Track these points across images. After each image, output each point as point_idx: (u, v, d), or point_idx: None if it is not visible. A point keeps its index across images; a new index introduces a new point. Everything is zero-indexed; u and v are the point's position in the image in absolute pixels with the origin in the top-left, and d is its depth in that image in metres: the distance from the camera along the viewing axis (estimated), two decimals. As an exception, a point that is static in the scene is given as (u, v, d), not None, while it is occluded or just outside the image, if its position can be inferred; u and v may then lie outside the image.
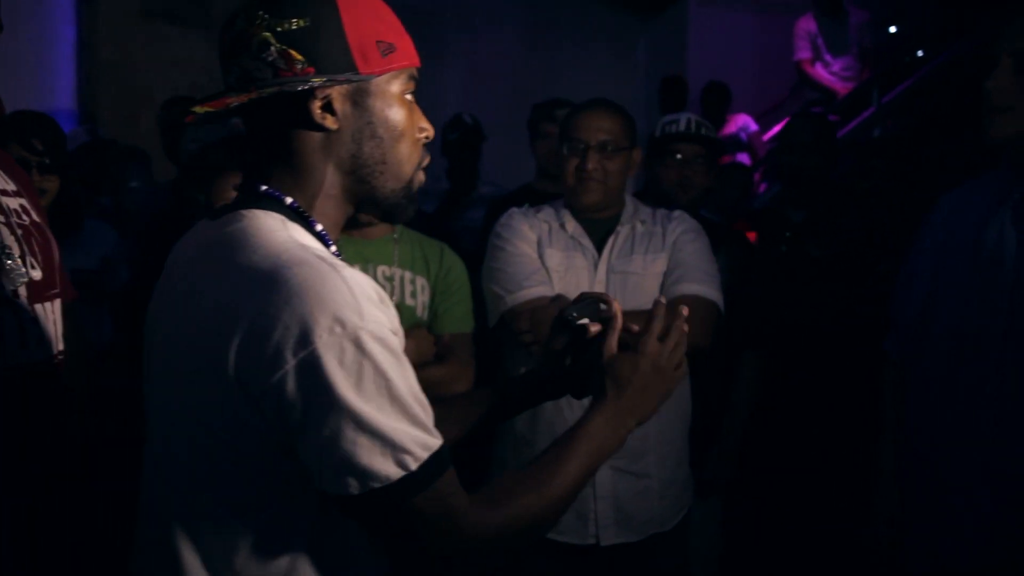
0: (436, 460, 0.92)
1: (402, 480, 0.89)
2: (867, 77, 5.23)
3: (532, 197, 2.67)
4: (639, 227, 2.10)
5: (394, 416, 0.89)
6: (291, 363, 0.87)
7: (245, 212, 0.99)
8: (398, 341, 0.94)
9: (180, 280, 1.01)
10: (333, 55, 0.98)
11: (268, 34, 0.96)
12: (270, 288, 0.89)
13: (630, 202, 2.14)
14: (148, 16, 4.27)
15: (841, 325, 2.58)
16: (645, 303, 2.00)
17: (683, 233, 2.08)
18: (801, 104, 5.52)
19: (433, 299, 2.08)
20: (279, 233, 0.96)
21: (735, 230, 2.83)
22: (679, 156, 2.53)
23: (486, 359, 2.18)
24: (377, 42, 1.00)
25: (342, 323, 0.87)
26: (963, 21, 5.17)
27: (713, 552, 2.53)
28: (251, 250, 0.93)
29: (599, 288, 2.03)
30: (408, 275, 2.07)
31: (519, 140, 3.58)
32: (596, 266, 2.05)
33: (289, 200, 1.00)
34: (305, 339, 0.86)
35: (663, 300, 1.19)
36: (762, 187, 5.25)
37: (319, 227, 1.01)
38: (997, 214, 1.67)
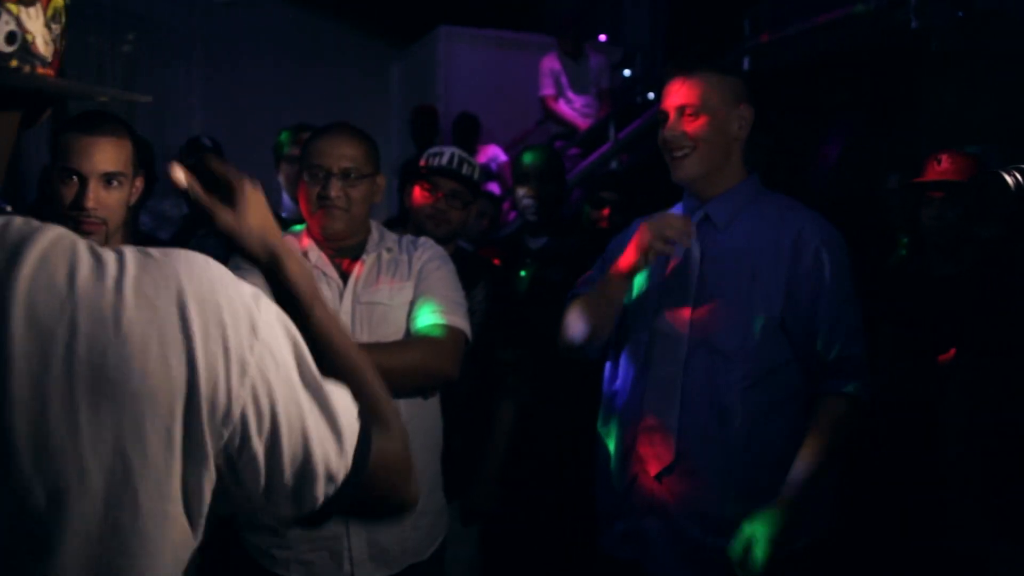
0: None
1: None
2: (604, 115, 5.63)
3: (279, 223, 2.57)
4: (385, 255, 2.06)
5: None
6: None
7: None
8: None
9: None
10: None
11: None
12: None
13: (376, 229, 2.09)
14: None
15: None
16: (392, 334, 1.98)
17: (429, 260, 2.06)
18: (547, 137, 5.83)
19: None
20: None
21: (487, 259, 2.89)
22: (436, 190, 2.54)
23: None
24: None
25: None
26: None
27: (471, 577, 2.56)
28: None
29: (344, 319, 1.97)
30: None
31: (271, 166, 3.46)
32: (341, 297, 1.99)
33: None
34: None
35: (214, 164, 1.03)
36: (511, 215, 5.47)
37: None
38: None
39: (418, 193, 2.58)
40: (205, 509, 0.79)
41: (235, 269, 1.96)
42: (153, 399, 0.72)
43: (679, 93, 1.95)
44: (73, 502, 0.72)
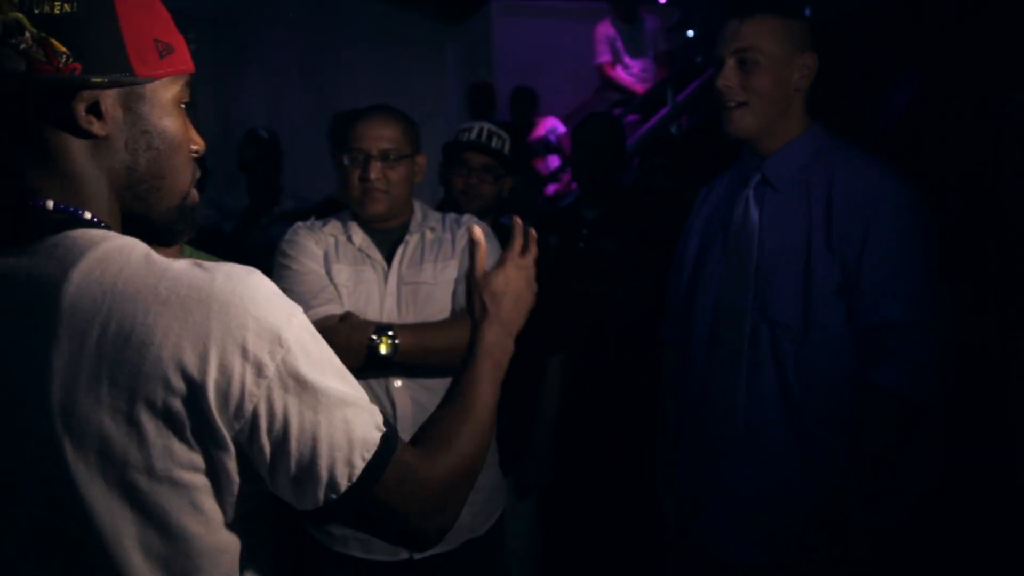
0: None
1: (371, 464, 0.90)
2: (662, 78, 5.51)
3: (336, 209, 2.60)
4: (428, 234, 2.07)
5: None
6: None
7: (58, 237, 0.85)
8: None
9: None
10: (105, 50, 0.85)
11: (22, 15, 0.82)
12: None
13: (419, 209, 2.11)
14: None
15: (632, 316, 2.68)
16: (438, 312, 1.99)
17: None
18: (605, 105, 5.74)
19: None
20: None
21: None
22: (467, 165, 2.54)
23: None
24: (155, 41, 0.89)
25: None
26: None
27: (531, 552, 2.56)
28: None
29: (390, 301, 1.99)
30: None
31: (326, 151, 3.50)
32: (386, 278, 2.01)
33: (88, 215, 0.88)
34: None
35: (519, 220, 1.26)
36: (574, 187, 5.41)
37: None
38: (741, 197, 1.86)
39: (449, 170, 2.59)
40: (235, 483, 0.87)
41: (296, 230, 1.96)
42: (164, 380, 0.81)
43: (735, 37, 1.76)
44: (96, 463, 0.82)
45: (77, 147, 0.88)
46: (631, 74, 5.74)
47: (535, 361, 2.52)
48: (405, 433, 2.07)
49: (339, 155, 3.08)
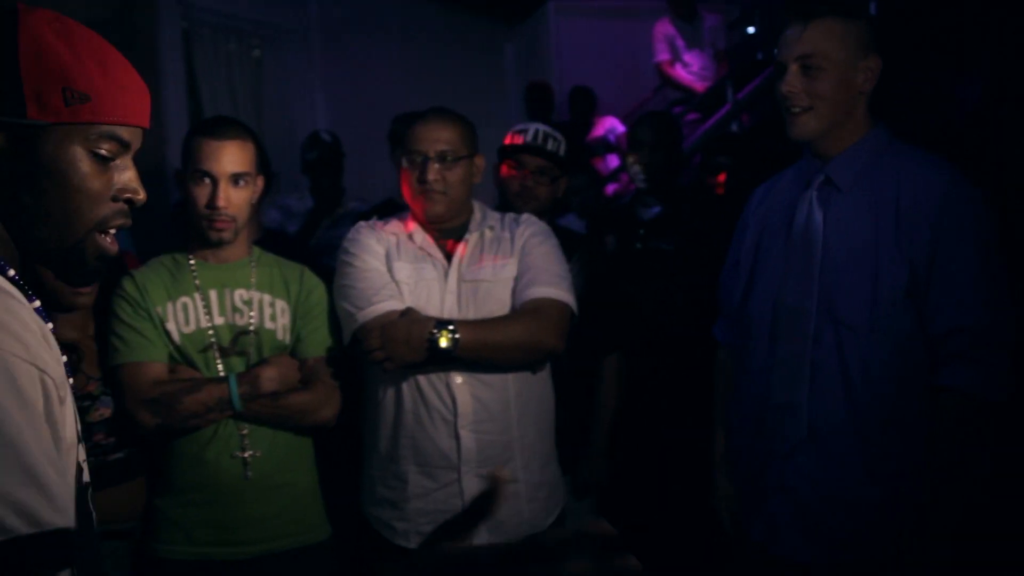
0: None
1: None
2: (722, 75, 5.45)
3: (397, 210, 2.66)
4: (487, 233, 2.10)
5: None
6: None
7: None
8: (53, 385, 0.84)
9: None
10: (1, 90, 0.89)
11: None
12: None
13: (478, 209, 2.14)
14: None
15: (690, 316, 2.67)
16: (497, 311, 2.02)
17: (531, 236, 2.09)
18: (665, 103, 5.71)
19: (295, 322, 2.03)
20: None
21: (588, 234, 2.88)
22: (522, 167, 2.56)
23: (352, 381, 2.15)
24: (64, 88, 0.90)
25: None
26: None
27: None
28: None
29: (450, 298, 2.03)
30: (267, 298, 2.01)
31: (387, 153, 3.56)
32: (447, 276, 2.04)
33: None
34: None
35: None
36: (632, 187, 5.40)
37: None
38: (804, 198, 1.85)
39: (505, 171, 2.60)
40: None
41: (359, 228, 1.97)
42: None
43: (798, 42, 1.75)
44: None
45: None
46: (691, 72, 5.69)
47: (592, 360, 2.53)
48: (466, 428, 2.09)
49: (398, 157, 3.17)
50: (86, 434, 1.81)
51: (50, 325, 0.91)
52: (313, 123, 4.85)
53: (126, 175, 0.98)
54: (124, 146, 0.97)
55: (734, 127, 5.08)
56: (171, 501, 1.95)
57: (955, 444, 1.68)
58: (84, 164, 0.94)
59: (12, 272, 0.92)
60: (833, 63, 1.74)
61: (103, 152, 0.95)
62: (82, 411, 1.82)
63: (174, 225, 3.42)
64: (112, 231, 0.99)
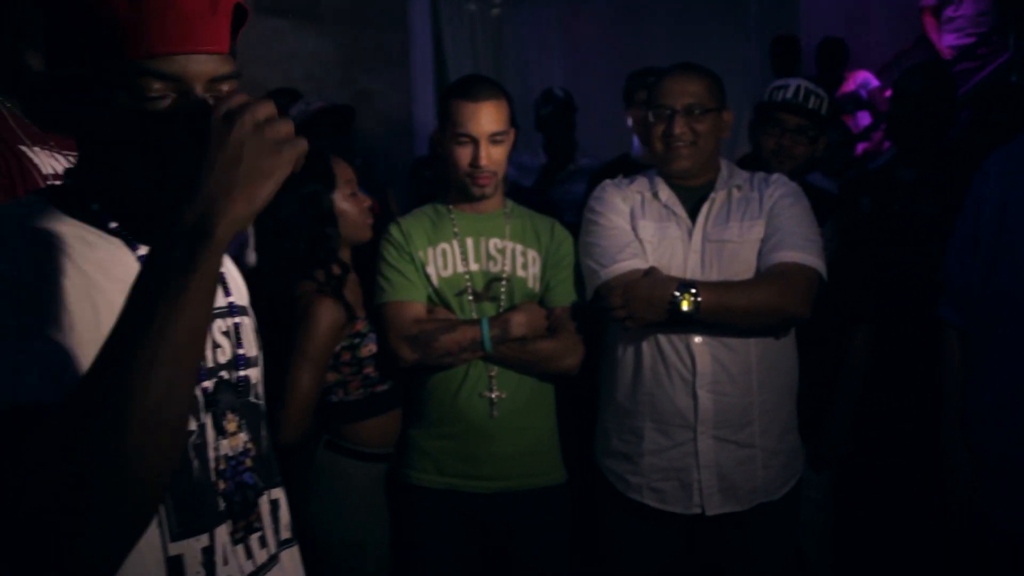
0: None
1: None
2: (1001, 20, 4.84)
3: (629, 167, 2.63)
4: (735, 193, 2.04)
5: None
6: None
7: None
8: None
9: None
10: None
11: None
12: None
13: (725, 166, 2.08)
14: (259, 12, 4.44)
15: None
16: (742, 272, 1.95)
17: (781, 198, 2.00)
18: (928, 55, 5.17)
19: (544, 272, 2.10)
20: None
21: (844, 198, 2.69)
22: (780, 125, 2.43)
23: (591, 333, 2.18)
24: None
25: None
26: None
27: (824, 525, 2.45)
28: None
29: (694, 258, 1.98)
30: (519, 248, 2.10)
31: (620, 110, 3.53)
32: (691, 235, 2.00)
33: None
34: None
35: None
36: (886, 146, 4.97)
37: None
38: None
39: (761, 129, 2.49)
40: None
41: (605, 187, 2.01)
42: None
43: None
44: None
45: None
46: (962, 17, 5.10)
47: (839, 328, 2.39)
48: (704, 388, 2.05)
49: (636, 112, 3.12)
50: (357, 368, 2.01)
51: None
52: (549, 80, 4.90)
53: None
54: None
55: (1014, 78, 4.51)
56: (424, 433, 2.08)
57: None
58: None
59: (114, 224, 0.93)
60: None
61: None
62: (353, 347, 2.00)
63: (412, 180, 3.62)
64: None
